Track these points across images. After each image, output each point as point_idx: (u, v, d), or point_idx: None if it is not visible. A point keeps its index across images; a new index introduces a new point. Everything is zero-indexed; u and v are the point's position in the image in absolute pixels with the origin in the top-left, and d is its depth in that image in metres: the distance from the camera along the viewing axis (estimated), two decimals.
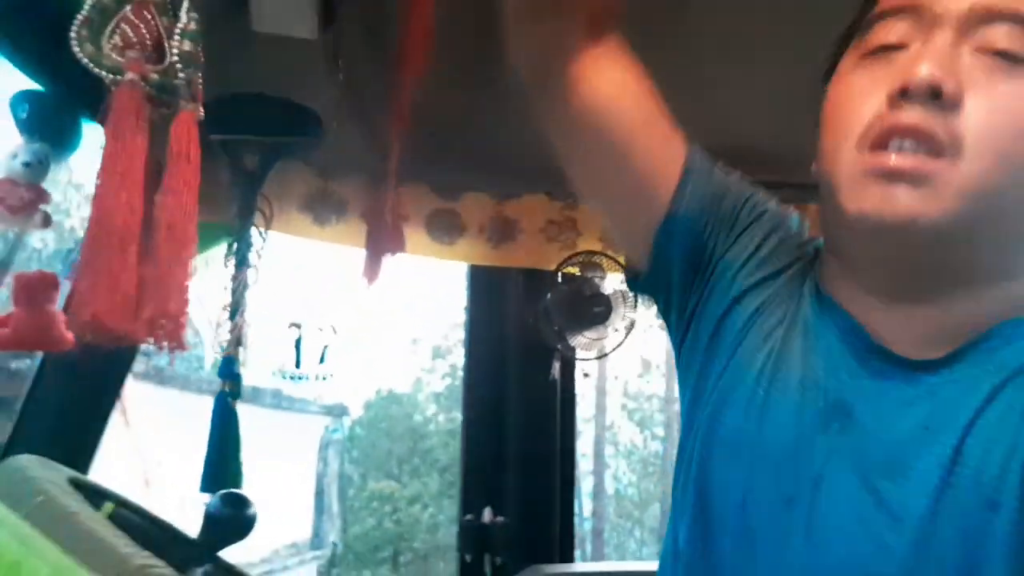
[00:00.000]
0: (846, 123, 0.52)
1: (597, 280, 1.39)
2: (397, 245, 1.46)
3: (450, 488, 13.53)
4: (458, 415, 14.95)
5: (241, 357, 1.23)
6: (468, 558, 1.47)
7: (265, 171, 1.31)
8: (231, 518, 0.81)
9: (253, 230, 1.27)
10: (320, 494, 11.59)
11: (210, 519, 0.81)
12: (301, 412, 10.21)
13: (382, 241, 1.46)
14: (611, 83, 0.63)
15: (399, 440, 14.57)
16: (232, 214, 1.27)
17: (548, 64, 0.64)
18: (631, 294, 1.41)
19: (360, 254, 1.44)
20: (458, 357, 15.14)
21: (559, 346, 1.42)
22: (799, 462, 0.53)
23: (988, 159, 0.48)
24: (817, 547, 0.51)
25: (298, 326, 1.55)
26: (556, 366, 1.47)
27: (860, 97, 0.51)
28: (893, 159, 0.48)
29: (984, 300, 0.52)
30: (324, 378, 1.56)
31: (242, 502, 0.83)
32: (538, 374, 1.52)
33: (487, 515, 1.49)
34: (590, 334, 1.40)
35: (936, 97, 0.48)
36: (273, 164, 1.26)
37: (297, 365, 1.56)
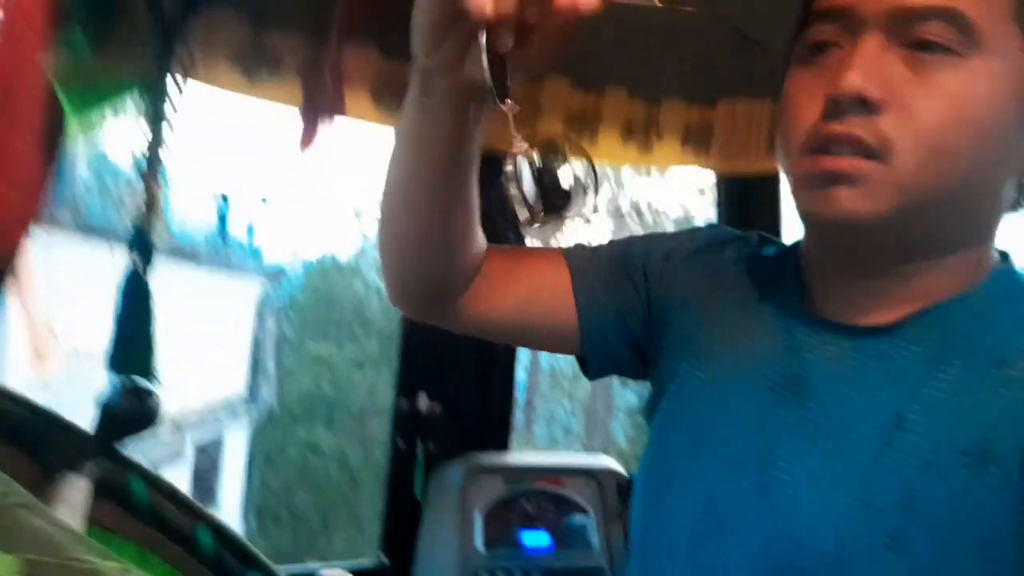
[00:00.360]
0: (792, 130, 0.55)
1: (556, 167, 1.27)
2: (336, 108, 1.32)
3: (388, 354, 13.74)
4: None
5: (155, 225, 1.09)
6: (400, 443, 1.42)
7: (187, 15, 1.13)
8: (129, 410, 0.71)
9: (170, 81, 1.10)
10: (256, 354, 11.62)
11: (105, 411, 0.71)
12: (240, 272, 10.03)
13: (320, 102, 1.31)
14: (496, 307, 0.71)
15: (338, 305, 14.58)
16: (147, 63, 1.09)
17: (433, 312, 0.74)
18: (591, 185, 1.31)
19: (295, 115, 1.31)
20: None
21: (510, 235, 1.32)
22: (757, 435, 0.57)
23: (918, 156, 0.50)
24: (771, 508, 0.54)
25: (224, 198, 1.41)
26: None
27: (800, 103, 0.55)
28: (828, 163, 0.52)
29: (936, 272, 0.55)
30: (253, 258, 1.43)
31: (143, 393, 0.73)
32: None
33: (423, 401, 1.43)
34: (548, 226, 1.30)
35: (863, 104, 0.51)
36: (197, 8, 1.09)
37: (223, 240, 1.43)
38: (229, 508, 11.27)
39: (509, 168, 1.27)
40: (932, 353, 0.53)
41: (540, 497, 1.30)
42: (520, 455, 1.48)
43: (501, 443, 1.46)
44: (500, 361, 1.48)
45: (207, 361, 9.66)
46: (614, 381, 15.72)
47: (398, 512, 1.41)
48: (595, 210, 1.29)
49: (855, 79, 0.50)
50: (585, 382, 15.89)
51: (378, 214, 0.70)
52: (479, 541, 1.23)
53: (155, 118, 1.10)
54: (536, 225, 1.29)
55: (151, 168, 1.11)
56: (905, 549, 0.49)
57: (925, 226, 0.53)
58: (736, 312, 0.63)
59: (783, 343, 0.59)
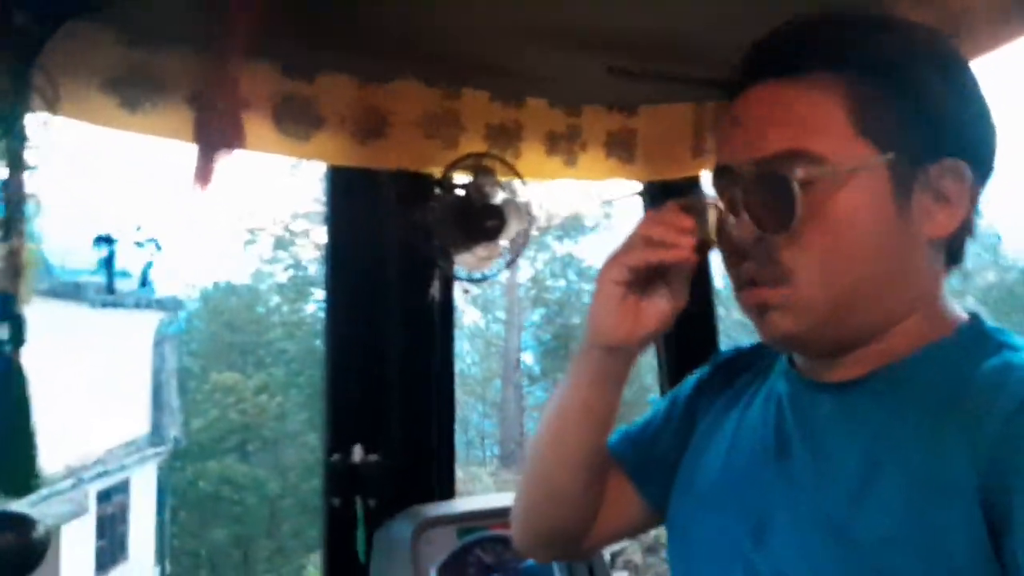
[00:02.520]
0: (727, 272, 0.65)
1: (487, 188, 1.18)
2: (235, 139, 1.17)
3: (297, 377, 13.32)
4: (303, 306, 14.61)
5: (22, 292, 0.92)
6: (336, 502, 1.29)
7: (45, 34, 0.97)
8: (7, 549, 0.57)
9: (31, 117, 0.94)
10: (157, 389, 10.97)
11: None
12: (131, 308, 9.43)
13: (216, 134, 1.16)
14: (604, 538, 0.84)
15: (240, 331, 14.01)
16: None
17: (562, 553, 0.97)
18: (525, 204, 1.22)
19: (184, 148, 1.15)
20: (302, 248, 14.56)
21: (441, 264, 1.21)
22: (754, 491, 0.65)
23: (816, 274, 0.59)
24: (766, 555, 0.62)
25: (108, 240, 1.23)
26: (435, 285, 1.27)
27: (723, 252, 0.65)
28: (752, 297, 0.62)
29: (890, 337, 0.61)
30: (148, 304, 1.27)
31: (23, 523, 0.59)
32: (413, 294, 1.31)
33: (357, 454, 1.30)
34: (479, 250, 1.20)
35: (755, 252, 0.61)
36: (57, 25, 0.93)
37: (109, 289, 1.26)
38: (141, 556, 10.61)
39: (437, 191, 1.16)
40: (891, 406, 0.59)
41: (496, 544, 1.20)
42: (468, 501, 1.37)
43: (446, 491, 1.35)
44: (437, 403, 1.37)
45: (105, 404, 9.05)
46: (524, 378, 15.85)
47: (342, 575, 1.28)
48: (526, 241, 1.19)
49: (737, 239, 0.61)
50: (496, 383, 15.97)
51: (527, 475, 0.80)
52: None
53: (14, 163, 0.93)
54: (468, 252, 1.19)
55: (13, 222, 0.94)
56: None
57: (855, 318, 0.60)
58: (742, 395, 0.73)
59: (777, 409, 0.67)
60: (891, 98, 0.58)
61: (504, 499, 1.45)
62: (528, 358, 16.23)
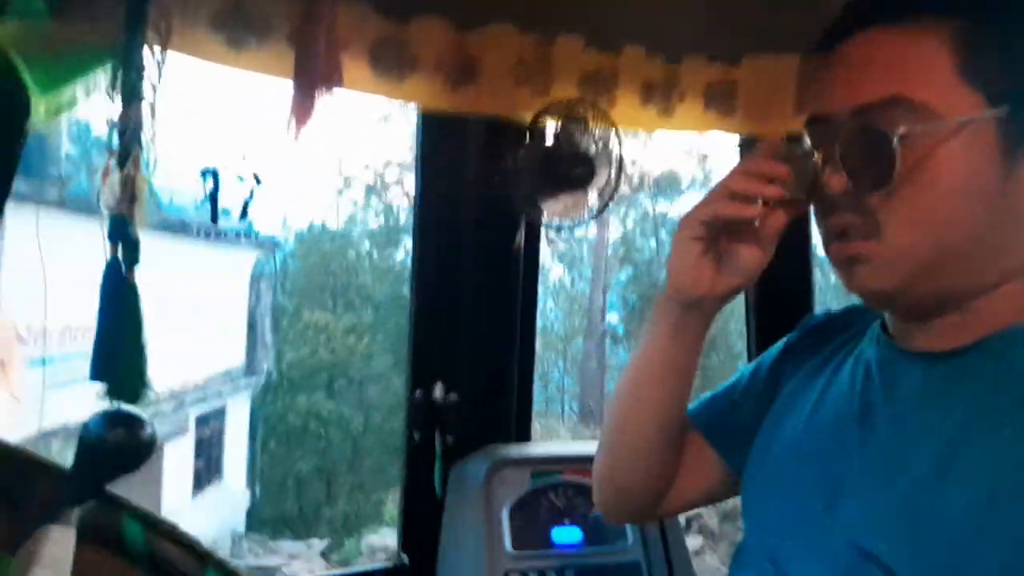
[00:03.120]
0: (817, 223, 0.64)
1: (578, 136, 1.16)
2: (333, 78, 1.19)
3: (384, 321, 13.71)
4: (393, 253, 14.94)
5: (137, 216, 0.98)
6: (417, 436, 1.33)
7: None
8: (117, 444, 0.61)
9: (146, 52, 0.98)
10: (252, 324, 11.54)
11: (88, 445, 0.61)
12: (232, 244, 9.88)
13: (314, 72, 1.19)
14: (683, 502, 0.84)
15: (332, 274, 14.47)
16: (115, 31, 0.97)
17: (641, 515, 0.97)
18: (618, 152, 1.20)
19: (287, 86, 1.19)
20: (394, 196, 14.85)
21: (528, 212, 1.21)
22: (829, 462, 0.63)
23: (906, 230, 0.57)
24: (836, 527, 0.60)
25: (213, 174, 1.29)
26: (521, 233, 1.27)
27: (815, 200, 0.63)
28: (839, 250, 0.61)
29: (988, 305, 0.58)
30: (247, 233, 1.33)
31: (133, 421, 0.63)
32: (498, 240, 1.32)
33: (438, 391, 1.33)
34: (566, 199, 1.19)
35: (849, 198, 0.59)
36: None
37: (214, 219, 1.32)
38: (234, 479, 11.32)
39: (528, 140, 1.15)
40: (988, 378, 0.57)
41: (568, 490, 1.22)
42: (544, 445, 1.40)
43: (523, 434, 1.38)
44: (518, 348, 1.39)
45: (205, 334, 9.60)
46: (607, 339, 15.79)
47: (418, 509, 1.33)
48: (615, 192, 1.17)
49: (838, 183, 0.59)
50: (578, 340, 15.98)
51: (607, 431, 0.81)
52: (506, 541, 1.15)
53: (129, 95, 0.98)
54: (555, 200, 1.19)
55: (128, 151, 0.99)
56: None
57: (945, 280, 0.58)
58: (832, 357, 0.71)
59: (865, 375, 0.65)
60: (1004, 46, 0.55)
61: (578, 447, 1.47)
62: (613, 318, 16.15)
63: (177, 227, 8.09)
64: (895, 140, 0.55)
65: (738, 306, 1.35)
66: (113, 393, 0.93)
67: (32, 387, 6.84)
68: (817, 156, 0.60)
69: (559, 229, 1.23)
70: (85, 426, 0.62)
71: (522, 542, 1.16)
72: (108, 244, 0.96)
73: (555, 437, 9.90)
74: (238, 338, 11.21)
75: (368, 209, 15.62)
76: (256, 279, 11.32)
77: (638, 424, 0.75)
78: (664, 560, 1.19)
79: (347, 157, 16.51)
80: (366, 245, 15.26)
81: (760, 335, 1.47)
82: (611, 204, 1.20)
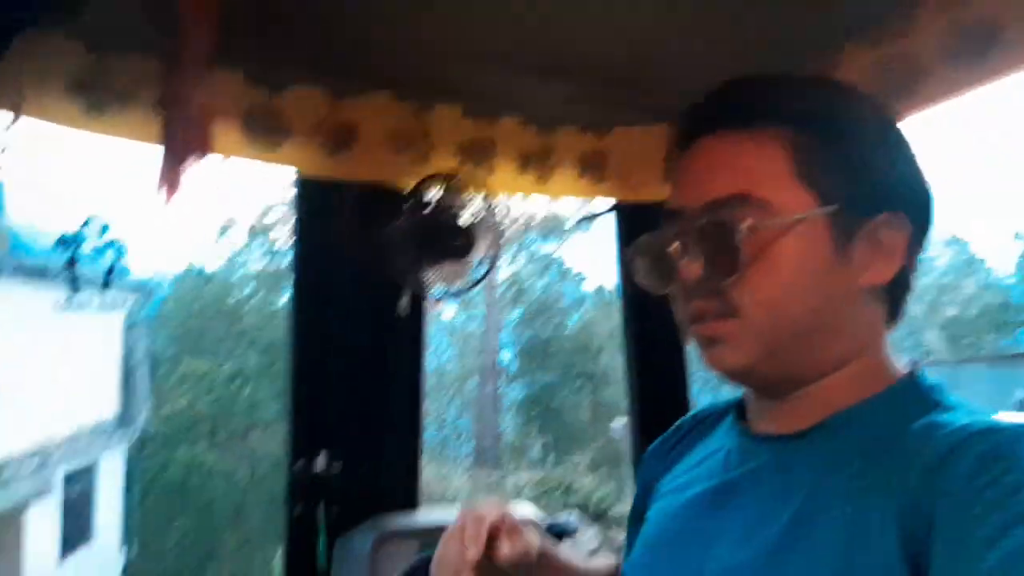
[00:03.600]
0: (677, 308, 0.68)
1: (457, 207, 1.17)
2: (202, 146, 1.16)
3: (271, 366, 13.20)
4: (277, 297, 14.49)
5: None
6: (299, 509, 1.29)
7: (10, 39, 0.96)
8: None
9: None
10: (127, 373, 10.83)
11: None
12: (95, 310, 9.28)
13: (183, 140, 1.15)
14: None
15: (213, 319, 13.85)
16: None
17: None
18: (495, 222, 1.22)
19: (149, 150, 1.14)
20: (278, 237, 14.43)
21: (407, 280, 1.21)
22: (699, 535, 0.68)
23: (761, 310, 0.62)
24: None
25: (72, 243, 1.22)
26: (404, 300, 1.27)
27: (675, 288, 0.68)
28: (701, 330, 0.65)
29: (829, 386, 0.64)
30: (114, 308, 1.26)
31: None
32: (380, 307, 1.31)
33: (321, 462, 1.30)
34: (446, 269, 1.19)
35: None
36: (15, 33, 0.91)
37: (74, 287, 1.24)
38: (106, 539, 10.49)
39: (405, 207, 1.16)
40: (826, 459, 0.62)
41: None
42: (431, 513, 1.37)
43: (410, 501, 1.35)
44: (405, 413, 1.37)
45: (74, 386, 8.93)
46: (502, 377, 15.86)
47: None
48: (495, 260, 1.19)
49: (693, 271, 0.64)
50: (472, 380, 15.95)
51: None
52: None
53: None
54: (437, 269, 1.19)
55: None
56: None
57: (796, 356, 0.64)
58: (698, 452, 0.77)
59: (723, 461, 0.71)
60: (832, 152, 0.62)
61: None
62: (506, 356, 16.24)
63: (40, 273, 7.55)
64: (740, 233, 0.62)
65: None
66: None
67: None
68: (673, 248, 0.65)
69: (442, 296, 1.24)
70: None
71: None
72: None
73: (450, 479, 9.78)
74: (110, 389, 10.50)
75: (250, 251, 15.11)
76: (130, 327, 10.67)
77: None
78: None
79: (226, 199, 15.95)
80: (248, 288, 14.73)
81: (642, 433, 1.52)
82: (489, 273, 1.22)
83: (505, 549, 0.69)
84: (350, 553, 1.23)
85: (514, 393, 15.82)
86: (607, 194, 1.48)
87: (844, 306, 0.63)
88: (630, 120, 1.42)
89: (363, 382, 1.35)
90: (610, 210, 1.52)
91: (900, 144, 0.65)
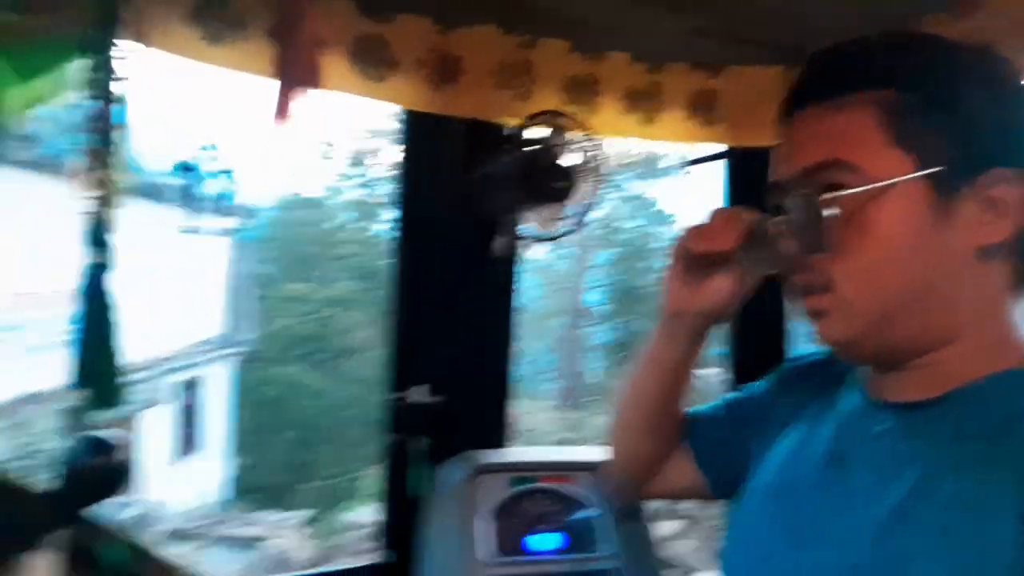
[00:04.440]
0: (785, 280, 0.68)
1: (559, 149, 1.15)
2: (311, 78, 1.18)
3: (366, 293, 13.66)
4: (373, 225, 14.85)
5: (111, 220, 0.97)
6: (395, 439, 1.34)
7: None
8: (95, 470, 0.62)
9: (116, 51, 0.96)
10: (233, 293, 11.46)
11: (67, 472, 0.62)
12: (212, 211, 9.77)
13: (294, 72, 1.17)
14: (662, 491, 0.96)
15: (313, 244, 14.38)
16: (85, 24, 0.95)
17: (637, 491, 0.99)
18: (599, 166, 1.20)
19: (260, 81, 1.17)
20: (375, 168, 14.69)
21: (504, 220, 1.21)
22: (806, 500, 0.68)
23: (854, 282, 0.61)
24: (806, 556, 0.65)
25: (189, 170, 1.27)
26: (500, 240, 1.27)
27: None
28: (803, 304, 0.66)
29: (951, 358, 0.62)
30: (225, 232, 1.32)
31: (110, 449, 0.64)
32: (480, 244, 1.31)
33: (419, 395, 1.34)
34: (543, 211, 1.19)
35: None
36: None
37: (191, 215, 1.31)
38: (212, 449, 11.32)
39: (508, 147, 1.15)
40: (952, 430, 0.60)
41: (546, 496, 1.22)
42: (523, 451, 1.41)
43: (503, 439, 1.39)
44: (499, 354, 1.39)
45: (184, 303, 9.54)
46: (588, 318, 15.87)
47: (400, 509, 1.33)
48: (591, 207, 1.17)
49: (790, 247, 0.65)
50: (560, 319, 16.03)
51: (615, 409, 0.93)
52: (483, 546, 1.16)
53: (101, 94, 0.97)
54: (534, 211, 1.18)
55: (101, 152, 0.98)
56: None
57: (903, 326, 0.62)
58: (823, 404, 0.75)
59: (844, 423, 0.70)
60: (933, 111, 0.60)
61: (555, 453, 1.49)
62: (594, 298, 16.20)
63: (158, 195, 7.99)
64: (823, 206, 0.61)
65: None
66: (92, 401, 0.93)
67: (6, 353, 6.77)
68: (772, 224, 0.67)
69: (538, 240, 1.23)
70: (64, 453, 0.64)
71: (499, 548, 1.16)
72: (85, 250, 0.96)
73: (534, 417, 9.97)
74: (218, 308, 11.15)
75: (349, 178, 15.48)
76: (237, 248, 11.23)
77: (633, 406, 0.89)
78: (641, 569, 1.21)
79: (330, 124, 16.28)
80: (347, 215, 15.15)
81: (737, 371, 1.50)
82: (586, 219, 1.20)
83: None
84: (444, 483, 1.27)
85: (601, 335, 15.82)
86: (715, 139, 1.42)
87: (952, 272, 0.60)
88: (745, 58, 1.35)
89: (460, 319, 1.37)
90: (719, 156, 1.47)
91: (1011, 95, 0.62)
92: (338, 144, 15.01)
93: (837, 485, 0.66)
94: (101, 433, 0.66)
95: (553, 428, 9.84)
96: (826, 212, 0.61)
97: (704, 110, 1.37)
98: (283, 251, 14.51)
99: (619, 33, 1.29)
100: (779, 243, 0.65)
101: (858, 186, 0.60)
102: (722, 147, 1.51)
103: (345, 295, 13.49)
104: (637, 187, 15.97)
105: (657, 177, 15.46)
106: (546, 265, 16.81)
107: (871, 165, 0.60)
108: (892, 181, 0.59)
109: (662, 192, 15.60)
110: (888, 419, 0.65)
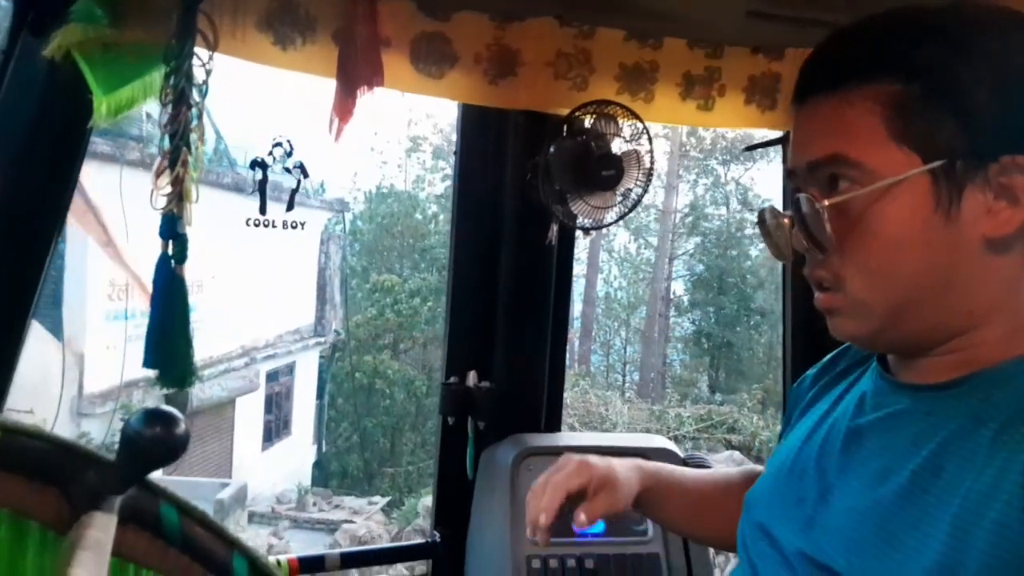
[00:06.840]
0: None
1: (609, 137, 1.16)
2: (374, 76, 1.23)
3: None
4: None
5: (185, 215, 1.05)
6: (451, 421, 1.39)
7: None
8: (155, 439, 0.67)
9: (195, 58, 1.04)
10: (322, 284, 11.88)
11: (130, 440, 0.67)
12: (300, 205, 10.13)
13: (357, 72, 1.22)
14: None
15: (399, 236, 14.72)
16: (167, 35, 1.03)
17: None
18: (647, 155, 1.20)
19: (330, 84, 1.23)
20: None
21: (557, 210, 1.23)
22: (820, 468, 0.69)
23: (862, 280, 0.61)
24: (818, 525, 0.65)
25: (262, 166, 1.35)
26: (554, 229, 1.29)
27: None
28: (817, 301, 0.66)
29: (971, 343, 0.61)
30: (293, 225, 1.39)
31: (169, 420, 0.69)
32: (534, 233, 1.34)
33: (471, 378, 1.38)
34: (594, 200, 1.20)
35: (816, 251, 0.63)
36: None
37: (262, 210, 1.39)
38: (301, 433, 11.79)
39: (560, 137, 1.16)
40: (971, 412, 0.59)
41: None
42: (571, 436, 1.43)
43: (552, 424, 1.41)
44: (550, 341, 1.42)
45: (277, 293, 9.95)
46: (671, 308, 15.58)
47: (450, 489, 1.39)
48: (640, 198, 1.17)
49: (801, 243, 0.63)
50: (641, 309, 15.81)
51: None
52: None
53: (179, 99, 1.04)
54: (583, 200, 1.20)
55: (178, 153, 1.05)
56: None
57: (918, 319, 0.61)
58: (841, 388, 0.75)
59: (860, 402, 0.70)
60: (934, 104, 0.58)
61: (603, 438, 1.51)
62: (678, 288, 15.93)
63: (241, 184, 8.34)
64: (820, 206, 0.61)
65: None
66: (164, 379, 1.01)
67: (116, 341, 7.24)
68: (787, 220, 0.66)
69: (585, 229, 1.25)
70: (127, 422, 0.69)
71: None
72: (160, 241, 1.04)
73: (610, 407, 9.92)
74: (309, 298, 11.58)
75: (435, 172, 15.75)
76: (326, 241, 11.63)
77: (698, 537, 1.06)
78: (683, 552, 1.22)
79: (416, 119, 16.57)
80: (432, 208, 15.43)
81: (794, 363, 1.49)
82: (634, 208, 1.21)
83: (581, 517, 0.78)
84: (494, 464, 1.31)
85: (685, 325, 15.57)
86: (775, 125, 1.40)
87: (964, 262, 0.59)
88: (806, 40, 1.32)
89: (514, 307, 1.40)
90: (777, 141, 1.44)
91: (1018, 76, 0.58)
92: (426, 137, 15.28)
93: (849, 461, 0.66)
94: (160, 408, 0.72)
95: (633, 419, 9.76)
96: (827, 213, 0.60)
97: (763, 95, 1.35)
98: (372, 243, 14.91)
99: (676, 19, 1.29)
100: (795, 240, 0.64)
101: (861, 181, 0.59)
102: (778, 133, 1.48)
103: (430, 285, 13.75)
104: (728, 172, 15.56)
105: (748, 162, 15.01)
106: (629, 254, 16.63)
107: (874, 161, 0.59)
108: (896, 179, 0.58)
109: (752, 178, 15.15)
110: (905, 399, 0.65)
